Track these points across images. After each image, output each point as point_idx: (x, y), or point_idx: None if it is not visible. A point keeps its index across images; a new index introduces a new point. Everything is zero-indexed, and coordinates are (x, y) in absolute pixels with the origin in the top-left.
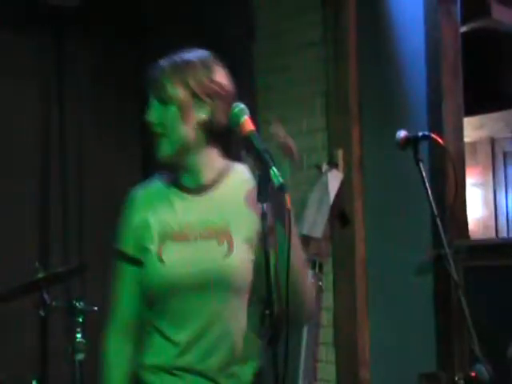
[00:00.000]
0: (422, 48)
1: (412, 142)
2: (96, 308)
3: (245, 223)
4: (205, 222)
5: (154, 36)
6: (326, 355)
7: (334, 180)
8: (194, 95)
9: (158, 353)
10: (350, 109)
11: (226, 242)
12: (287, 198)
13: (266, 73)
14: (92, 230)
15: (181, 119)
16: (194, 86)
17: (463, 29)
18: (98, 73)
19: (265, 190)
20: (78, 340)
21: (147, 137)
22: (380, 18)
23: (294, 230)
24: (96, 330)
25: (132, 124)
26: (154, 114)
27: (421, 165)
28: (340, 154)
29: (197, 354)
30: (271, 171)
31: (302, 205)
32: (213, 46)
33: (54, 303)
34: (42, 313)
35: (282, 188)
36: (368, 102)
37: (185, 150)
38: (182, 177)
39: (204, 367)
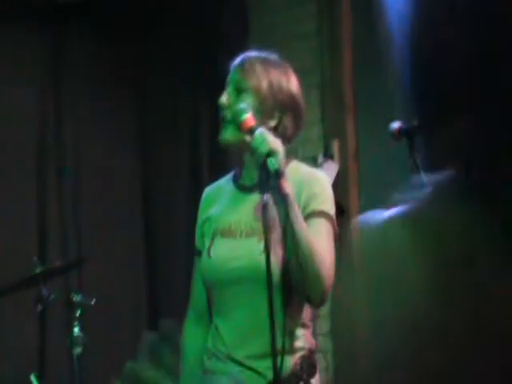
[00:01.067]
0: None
1: (406, 132)
2: (94, 301)
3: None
4: (249, 220)
5: (154, 32)
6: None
7: (329, 171)
8: (272, 99)
9: (211, 339)
10: (345, 100)
11: (262, 241)
12: (284, 183)
13: None
14: (90, 224)
15: (255, 110)
16: (275, 90)
17: None
18: (98, 69)
19: (265, 181)
20: (75, 334)
21: (146, 132)
22: (375, 9)
23: (297, 213)
24: (94, 323)
25: (131, 120)
26: (228, 99)
27: (416, 155)
28: (335, 145)
29: (235, 343)
30: (268, 160)
31: None
32: (210, 41)
33: (52, 297)
34: (40, 307)
35: (277, 173)
36: (363, 93)
37: (247, 143)
38: (241, 173)
39: (241, 356)
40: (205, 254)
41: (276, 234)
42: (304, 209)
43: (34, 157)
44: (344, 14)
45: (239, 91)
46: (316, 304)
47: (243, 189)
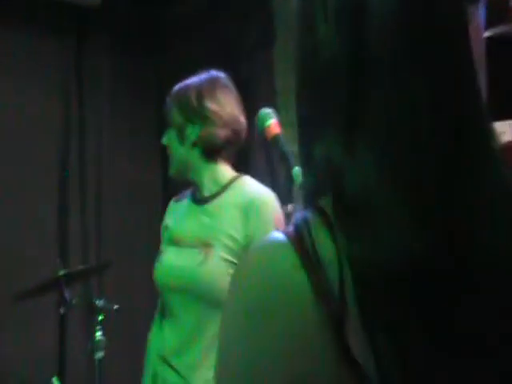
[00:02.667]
0: None
1: None
2: (116, 306)
3: (230, 237)
4: (195, 230)
5: (175, 37)
6: None
7: None
8: (186, 119)
9: (159, 339)
10: None
11: (203, 253)
12: None
13: (286, 74)
14: (111, 230)
15: (178, 140)
16: (186, 111)
17: (486, 34)
18: (119, 72)
19: (289, 192)
20: (97, 338)
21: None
22: None
23: None
24: (115, 328)
25: (152, 123)
26: (165, 137)
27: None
28: None
29: (173, 349)
30: (293, 172)
31: None
32: (234, 48)
33: (74, 301)
34: (62, 311)
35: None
36: None
37: (185, 167)
38: (195, 189)
39: (176, 363)
40: (157, 259)
41: (221, 247)
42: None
43: (57, 162)
44: None
45: (169, 127)
46: None
47: (196, 202)
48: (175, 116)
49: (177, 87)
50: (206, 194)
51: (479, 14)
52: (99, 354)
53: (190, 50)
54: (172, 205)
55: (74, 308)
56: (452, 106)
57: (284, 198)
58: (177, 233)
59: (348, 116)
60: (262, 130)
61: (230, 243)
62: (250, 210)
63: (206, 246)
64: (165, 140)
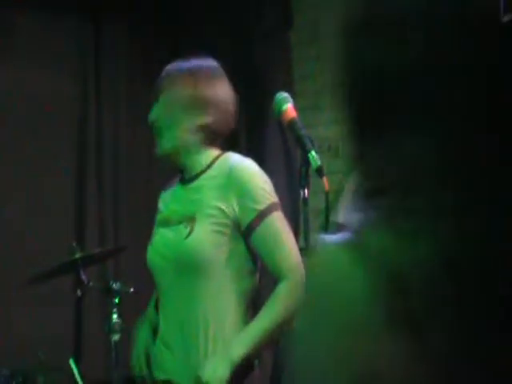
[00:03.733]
0: None
1: None
2: (132, 289)
3: (215, 208)
4: (180, 209)
5: (191, 24)
6: None
7: None
8: (193, 102)
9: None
10: None
11: (189, 227)
12: (325, 180)
13: (303, 61)
14: (128, 213)
15: (178, 122)
16: (193, 95)
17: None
18: (136, 64)
19: (305, 175)
20: (114, 321)
21: None
22: None
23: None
24: (132, 311)
25: None
26: (155, 114)
27: None
28: None
29: (167, 327)
30: (309, 155)
31: (338, 193)
32: (249, 34)
33: (90, 284)
34: (78, 293)
35: (319, 171)
36: None
37: (179, 151)
38: (183, 172)
39: (171, 340)
40: (149, 243)
41: (205, 218)
42: (244, 214)
43: (75, 147)
44: None
45: (165, 105)
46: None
47: (184, 182)
48: (177, 96)
49: (178, 66)
50: (193, 173)
51: None
52: (115, 337)
53: (205, 35)
54: (162, 194)
55: (90, 290)
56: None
57: (299, 181)
58: (166, 214)
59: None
60: (279, 114)
61: (216, 213)
62: (231, 178)
63: (191, 220)
64: (152, 116)
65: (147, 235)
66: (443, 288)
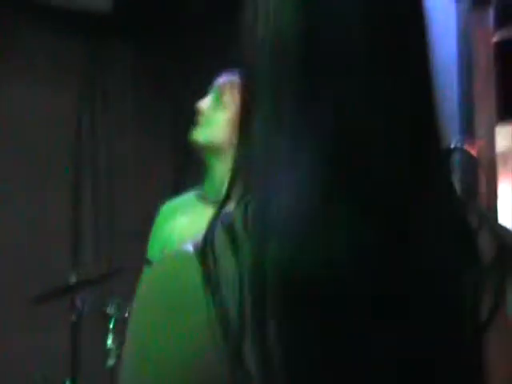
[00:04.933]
0: (453, 56)
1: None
2: (127, 314)
3: None
4: None
5: (191, 36)
6: None
7: None
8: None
9: None
10: None
11: None
12: None
13: None
14: (123, 235)
15: (226, 124)
16: (245, 109)
17: (496, 36)
18: (136, 79)
19: None
20: (109, 345)
21: (181, 140)
22: None
23: None
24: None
25: (166, 127)
26: (206, 104)
27: (452, 177)
28: None
29: None
30: None
31: None
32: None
33: (85, 308)
34: (73, 317)
35: None
36: None
37: (215, 147)
38: (205, 185)
39: None
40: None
41: None
42: None
43: (69, 166)
44: None
45: (217, 103)
46: None
47: (207, 202)
48: (230, 102)
49: (236, 76)
50: (217, 191)
51: (489, 16)
52: (111, 362)
53: (203, 51)
54: (168, 209)
55: (85, 315)
56: (408, 107)
57: None
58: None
59: (293, 115)
60: None
61: None
62: None
63: None
64: (204, 104)
65: (142, 256)
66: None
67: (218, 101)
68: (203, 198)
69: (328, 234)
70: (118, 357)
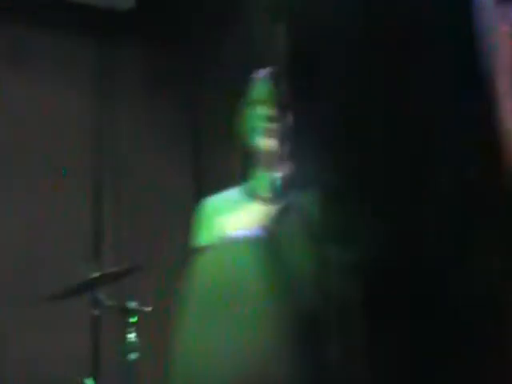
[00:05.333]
0: None
1: None
2: (149, 308)
3: None
4: None
5: (205, 36)
6: None
7: None
8: None
9: None
10: None
11: None
12: None
13: None
14: (144, 231)
15: None
16: None
17: None
18: (150, 69)
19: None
20: (130, 340)
21: (198, 138)
22: None
23: None
24: (148, 330)
25: (183, 125)
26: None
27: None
28: None
29: None
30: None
31: None
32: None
33: (107, 303)
34: (95, 312)
35: None
36: None
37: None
38: (252, 181)
39: None
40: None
41: None
42: None
43: (89, 163)
44: None
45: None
46: None
47: (256, 197)
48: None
49: None
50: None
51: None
52: (132, 356)
53: (217, 51)
54: (214, 205)
55: (107, 310)
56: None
57: None
58: None
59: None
60: None
61: None
62: None
63: None
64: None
65: (164, 253)
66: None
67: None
68: (250, 194)
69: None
70: (139, 351)
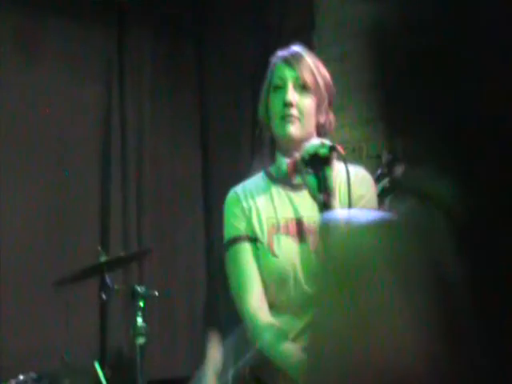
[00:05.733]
0: None
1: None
2: (157, 293)
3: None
4: (298, 217)
5: (215, 26)
6: None
7: (396, 172)
8: (327, 97)
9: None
10: None
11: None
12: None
13: (327, 61)
14: (152, 216)
15: (315, 111)
16: (328, 87)
17: None
18: (160, 61)
19: (322, 180)
20: (138, 324)
21: (207, 129)
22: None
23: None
24: (156, 314)
25: (192, 112)
26: (293, 97)
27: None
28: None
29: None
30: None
31: None
32: (273, 35)
33: (115, 287)
34: (103, 296)
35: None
36: None
37: (308, 137)
38: (274, 166)
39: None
40: (265, 251)
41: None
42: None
43: (97, 150)
44: None
45: (303, 89)
46: None
47: (287, 188)
48: (319, 86)
49: (312, 54)
50: (295, 181)
51: None
52: (140, 340)
53: (228, 36)
54: (240, 193)
55: (115, 294)
56: None
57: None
58: (280, 220)
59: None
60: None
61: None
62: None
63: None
64: (291, 98)
65: (171, 238)
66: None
67: (300, 85)
68: (272, 178)
69: None
70: (147, 335)
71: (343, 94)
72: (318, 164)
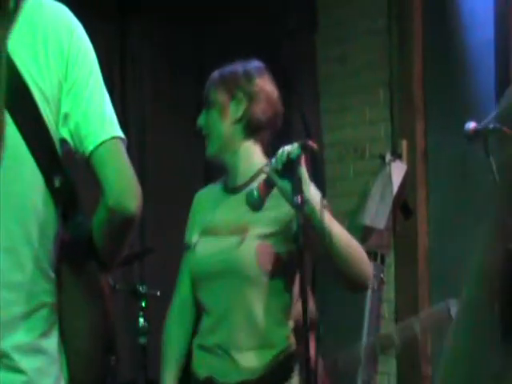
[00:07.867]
0: (491, 38)
1: (481, 134)
2: (159, 292)
3: (262, 221)
4: (232, 219)
5: (216, 24)
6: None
7: (397, 171)
8: (232, 95)
9: (199, 332)
10: (414, 98)
11: (241, 237)
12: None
13: (329, 61)
14: (154, 215)
15: (220, 118)
16: (232, 88)
17: None
18: (161, 60)
19: (297, 182)
20: (140, 324)
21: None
22: (447, 6)
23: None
24: (158, 314)
25: (193, 108)
26: (201, 119)
27: (491, 158)
28: (404, 144)
29: (221, 335)
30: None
31: (364, 195)
32: (275, 35)
33: (117, 286)
34: None
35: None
36: (434, 92)
37: (224, 145)
38: (227, 178)
39: (228, 347)
40: (192, 250)
41: (258, 230)
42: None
43: None
44: (415, 10)
45: (208, 108)
46: (364, 288)
47: (229, 191)
48: (218, 95)
49: (219, 70)
50: (240, 182)
51: None
52: (142, 340)
53: (230, 35)
54: (200, 197)
55: (116, 293)
56: None
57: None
58: (212, 223)
59: None
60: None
61: (269, 223)
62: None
63: (243, 231)
64: (201, 120)
65: (173, 237)
66: None
67: (208, 106)
68: (227, 189)
69: None
70: (149, 334)
71: (344, 95)
72: (291, 168)
